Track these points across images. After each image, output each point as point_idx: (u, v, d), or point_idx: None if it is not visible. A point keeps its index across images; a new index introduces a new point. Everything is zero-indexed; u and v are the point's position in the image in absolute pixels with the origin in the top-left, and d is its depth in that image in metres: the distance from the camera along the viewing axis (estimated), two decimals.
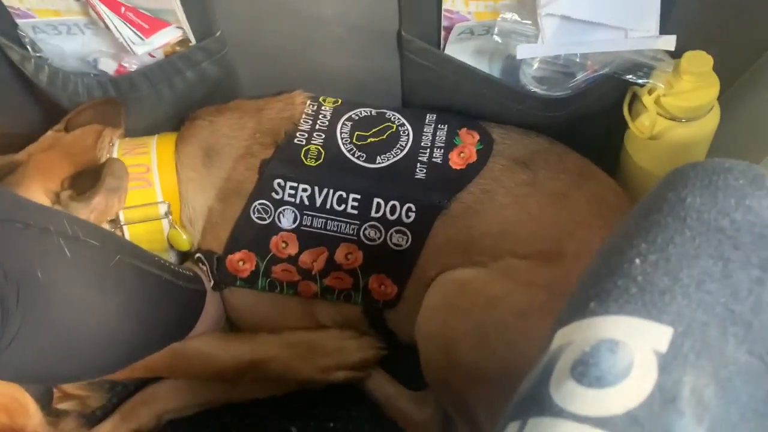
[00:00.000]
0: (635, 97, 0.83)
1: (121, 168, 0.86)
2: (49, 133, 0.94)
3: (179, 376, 0.94)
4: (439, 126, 0.90)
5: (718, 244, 0.40)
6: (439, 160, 0.87)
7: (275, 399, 0.95)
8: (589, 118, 0.87)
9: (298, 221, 0.86)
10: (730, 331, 0.38)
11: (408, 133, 0.89)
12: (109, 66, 0.92)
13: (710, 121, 0.82)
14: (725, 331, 0.38)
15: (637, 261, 0.41)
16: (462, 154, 0.87)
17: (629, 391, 0.37)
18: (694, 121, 0.81)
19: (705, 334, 0.38)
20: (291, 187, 0.86)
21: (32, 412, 0.87)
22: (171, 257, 0.96)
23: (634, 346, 0.38)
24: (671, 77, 0.79)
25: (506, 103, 0.86)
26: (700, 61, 0.77)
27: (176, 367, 0.91)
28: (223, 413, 0.95)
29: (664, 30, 0.76)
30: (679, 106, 0.79)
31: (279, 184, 0.86)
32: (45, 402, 0.90)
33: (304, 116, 0.90)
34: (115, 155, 0.91)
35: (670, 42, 0.75)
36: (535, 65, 0.81)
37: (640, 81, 0.79)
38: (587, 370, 0.38)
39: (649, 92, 0.80)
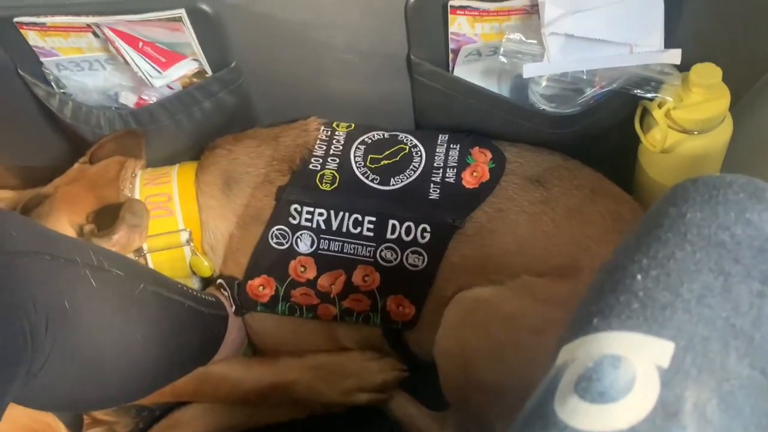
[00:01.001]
0: (646, 112, 0.83)
1: (141, 207, 0.88)
2: (75, 165, 0.98)
3: (204, 401, 0.95)
4: (451, 146, 0.91)
5: (718, 259, 0.41)
6: (452, 180, 0.88)
7: (298, 422, 0.95)
8: (600, 134, 0.87)
9: (315, 245, 0.87)
10: (732, 345, 0.38)
11: (421, 154, 0.90)
12: (129, 99, 0.95)
13: (723, 133, 0.81)
14: (727, 346, 0.38)
15: (639, 277, 0.42)
16: (475, 173, 0.88)
17: (632, 406, 0.37)
18: (706, 134, 0.81)
19: (707, 349, 0.38)
20: (307, 212, 0.87)
21: None
22: (194, 283, 0.98)
23: (636, 362, 0.38)
24: (680, 90, 0.79)
25: (516, 121, 0.87)
26: (709, 73, 0.78)
27: (201, 391, 0.92)
28: None
29: (670, 44, 0.76)
30: (690, 118, 0.79)
31: (296, 209, 0.88)
32: (76, 428, 0.92)
33: (318, 142, 0.92)
34: (137, 185, 0.94)
35: (675, 56, 0.75)
36: (543, 83, 0.81)
37: (648, 95, 0.79)
38: (590, 386, 0.38)
39: (659, 106, 0.80)
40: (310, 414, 0.95)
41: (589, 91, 0.81)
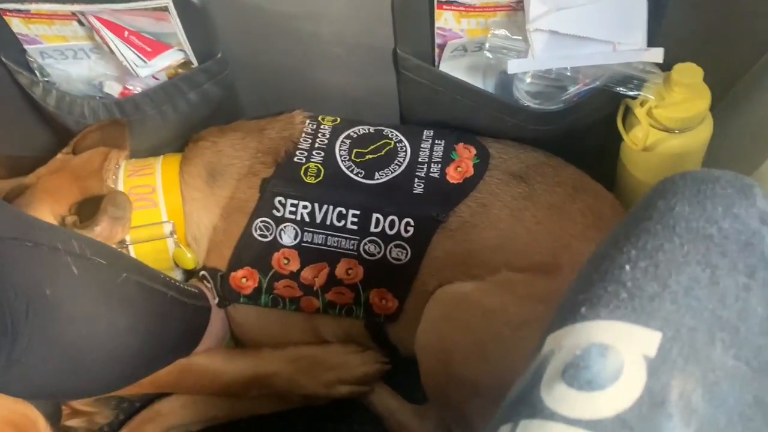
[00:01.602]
0: (628, 110, 0.84)
1: (124, 199, 0.88)
2: (58, 155, 0.97)
3: (185, 392, 0.95)
4: (436, 141, 0.91)
5: (706, 252, 0.41)
6: (436, 175, 0.88)
7: (279, 414, 0.96)
8: (583, 131, 0.88)
9: (299, 238, 0.87)
10: (718, 337, 0.39)
11: (406, 149, 0.90)
12: (114, 89, 0.94)
13: (703, 132, 0.83)
14: (713, 337, 0.39)
15: (627, 267, 0.42)
16: (459, 169, 0.89)
17: (619, 394, 0.37)
18: (687, 132, 0.82)
19: (693, 339, 0.39)
20: (291, 205, 0.88)
21: (42, 429, 0.88)
22: (177, 275, 0.97)
23: (623, 351, 0.39)
24: (662, 89, 0.80)
25: (501, 117, 0.88)
26: (690, 72, 0.79)
27: (182, 382, 0.92)
28: (228, 430, 0.96)
29: (654, 43, 0.77)
30: (671, 117, 0.80)
31: (280, 201, 0.88)
32: (54, 419, 0.91)
33: (303, 135, 0.92)
34: (121, 176, 0.93)
35: (657, 54, 0.76)
36: (528, 80, 0.82)
37: (631, 93, 0.80)
38: (578, 374, 0.38)
39: (641, 104, 0.81)
40: (291, 406, 0.95)
41: (573, 89, 0.81)
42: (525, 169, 0.89)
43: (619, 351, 0.39)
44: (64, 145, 0.98)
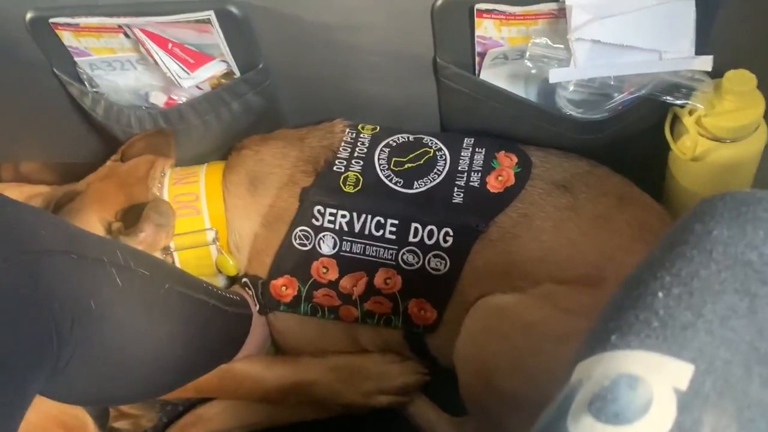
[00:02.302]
0: (676, 118, 0.82)
1: (167, 207, 0.90)
2: (107, 163, 1.00)
3: (226, 397, 0.97)
4: (476, 149, 0.90)
5: (744, 279, 0.39)
6: (476, 184, 0.87)
7: (319, 422, 0.96)
8: (629, 140, 0.86)
9: (337, 247, 0.88)
10: (755, 371, 0.37)
11: (445, 158, 0.89)
12: (159, 99, 0.96)
13: (756, 141, 0.79)
14: (750, 371, 0.37)
15: (660, 294, 0.40)
16: (500, 177, 0.87)
17: (647, 429, 0.36)
18: (739, 142, 0.79)
19: (728, 373, 0.37)
20: (330, 214, 0.88)
21: (90, 430, 0.91)
22: (219, 282, 0.99)
23: (653, 383, 0.37)
24: (713, 97, 0.77)
25: (543, 126, 0.86)
26: (742, 80, 0.75)
27: (223, 388, 0.94)
28: None
29: (701, 50, 0.74)
30: (722, 126, 0.77)
31: (319, 210, 0.88)
32: (102, 421, 0.94)
33: (343, 144, 0.92)
34: (166, 184, 0.95)
35: (706, 62, 0.73)
36: (571, 88, 0.80)
37: (679, 102, 0.77)
38: (605, 406, 0.37)
39: (690, 113, 0.78)
40: (330, 415, 0.96)
41: (618, 97, 0.79)
42: (569, 179, 0.87)
43: (649, 383, 0.37)
44: (112, 152, 1.00)
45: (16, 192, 1.07)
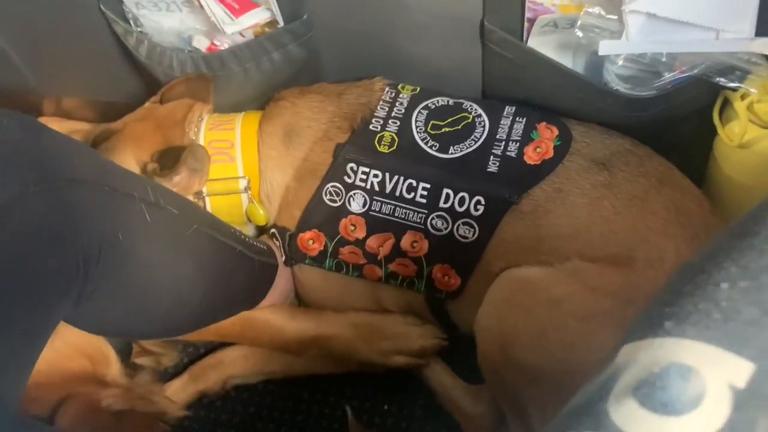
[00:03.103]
0: (727, 102, 0.79)
1: (203, 152, 0.90)
2: (146, 104, 1.00)
3: (247, 344, 0.98)
4: (517, 119, 0.88)
5: None
6: (513, 154, 0.86)
7: (334, 376, 0.97)
8: (675, 121, 0.83)
9: (367, 206, 0.87)
10: None
11: (484, 125, 0.88)
12: (202, 43, 0.96)
13: None
14: None
15: (724, 285, 0.38)
16: (538, 149, 0.86)
17: (696, 423, 0.34)
18: None
19: None
20: (363, 172, 0.87)
21: (113, 363, 0.94)
22: (248, 230, 1.00)
23: (708, 377, 0.35)
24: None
25: (588, 100, 0.84)
26: None
27: (245, 334, 0.95)
28: (283, 385, 0.99)
29: (762, 32, 0.71)
30: None
31: (351, 168, 0.88)
32: (124, 355, 0.97)
33: (381, 103, 0.91)
34: (203, 129, 0.96)
35: (766, 45, 0.70)
36: (620, 62, 0.77)
37: (731, 85, 0.74)
38: (653, 393, 0.35)
39: (742, 98, 0.75)
40: (347, 370, 0.97)
41: (668, 75, 0.76)
42: (608, 156, 0.85)
43: (703, 376, 0.35)
44: (152, 94, 1.01)
45: (57, 126, 1.08)
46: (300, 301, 1.00)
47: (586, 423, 0.36)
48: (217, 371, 0.99)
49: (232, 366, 0.99)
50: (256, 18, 0.90)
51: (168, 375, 1.00)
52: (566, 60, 0.84)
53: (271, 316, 0.95)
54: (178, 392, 0.98)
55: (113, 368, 0.93)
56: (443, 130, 0.88)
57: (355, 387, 0.97)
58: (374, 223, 0.87)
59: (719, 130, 0.80)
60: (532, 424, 0.78)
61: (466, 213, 0.85)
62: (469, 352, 0.84)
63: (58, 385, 0.86)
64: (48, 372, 0.85)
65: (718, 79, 0.74)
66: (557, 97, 0.87)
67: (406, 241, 0.87)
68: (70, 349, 0.89)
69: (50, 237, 0.62)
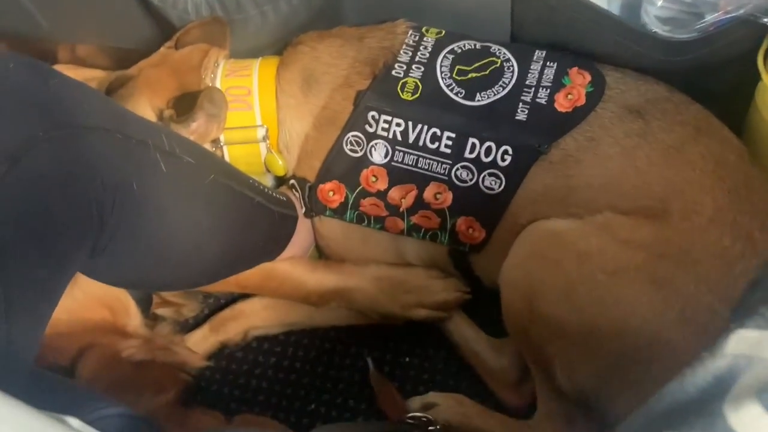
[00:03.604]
0: None
1: (221, 97, 0.87)
2: (161, 50, 0.97)
3: (267, 295, 0.97)
4: (547, 64, 0.84)
5: None
6: (543, 101, 0.82)
7: (355, 328, 0.96)
8: (715, 66, 0.79)
9: (389, 156, 0.84)
10: None
11: (513, 70, 0.84)
12: None
13: None
14: None
15: None
16: (569, 96, 0.82)
17: None
18: None
19: None
20: (385, 121, 0.84)
21: (133, 314, 0.93)
22: (267, 181, 0.98)
23: None
24: None
25: (623, 43, 0.80)
26: None
27: (265, 285, 0.94)
28: (304, 336, 0.98)
29: None
30: None
31: (373, 116, 0.85)
32: (145, 306, 0.96)
33: (404, 47, 0.87)
34: (219, 75, 0.93)
35: None
36: (659, 3, 0.73)
37: None
38: None
39: None
40: (368, 322, 0.96)
41: (711, 17, 0.72)
42: (643, 104, 0.81)
43: None
44: (167, 39, 0.98)
45: (71, 74, 1.04)
46: (320, 254, 0.98)
47: (697, 424, 0.33)
48: (238, 322, 0.98)
49: (253, 317, 0.99)
50: None
51: (189, 326, 1.00)
52: (601, 1, 0.80)
53: (292, 267, 0.93)
54: (199, 343, 0.98)
55: (134, 319, 0.93)
56: (470, 75, 0.84)
57: (377, 339, 0.96)
58: (396, 174, 0.85)
59: (763, 75, 0.76)
60: (557, 378, 0.77)
61: (493, 163, 0.82)
62: (492, 305, 0.83)
63: (78, 336, 0.86)
64: (68, 322, 0.85)
65: (766, 19, 0.69)
66: (590, 41, 0.83)
67: (429, 193, 0.84)
68: (89, 299, 0.89)
69: (61, 184, 0.60)
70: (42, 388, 0.62)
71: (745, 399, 0.32)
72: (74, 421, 0.40)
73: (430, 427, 0.80)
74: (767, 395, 0.32)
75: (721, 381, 0.34)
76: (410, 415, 0.84)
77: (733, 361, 0.34)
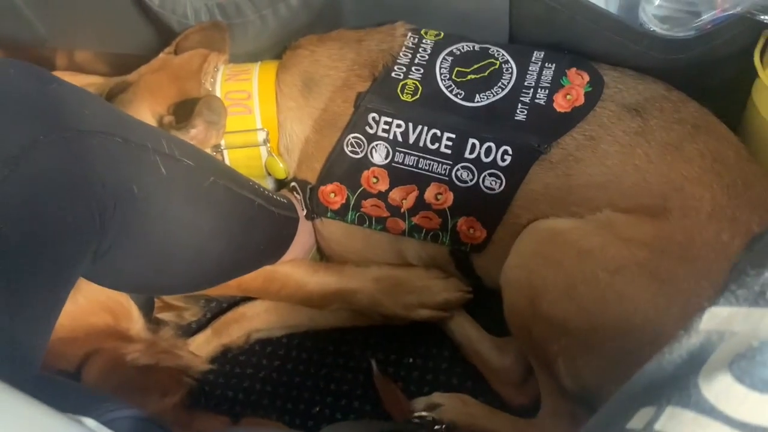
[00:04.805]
0: None
1: (219, 104, 0.88)
2: (160, 55, 0.97)
3: (269, 298, 0.98)
4: (546, 64, 0.85)
5: None
6: (542, 102, 0.83)
7: (358, 329, 0.96)
8: (713, 64, 0.80)
9: (390, 157, 0.85)
10: None
11: (511, 71, 0.84)
12: None
13: None
14: None
15: None
16: (568, 96, 0.82)
17: None
18: None
19: None
20: (385, 122, 0.85)
21: (135, 318, 0.93)
22: (268, 184, 0.98)
23: None
24: None
25: (622, 42, 0.80)
26: None
27: (267, 288, 0.94)
28: (307, 338, 0.98)
29: None
30: None
31: (374, 118, 0.85)
32: (147, 310, 0.96)
33: (403, 49, 0.88)
34: (219, 80, 0.93)
35: None
36: (657, 2, 0.74)
37: None
38: (753, 369, 0.32)
39: None
40: (370, 323, 0.96)
41: (708, 15, 0.73)
42: (642, 102, 0.81)
43: None
44: (166, 45, 0.98)
45: (70, 80, 1.05)
46: (322, 256, 0.98)
47: (672, 396, 0.33)
48: (240, 325, 0.99)
49: (255, 320, 0.99)
50: None
51: (191, 330, 1.00)
52: (599, 0, 0.80)
53: (293, 270, 0.94)
54: (202, 346, 0.98)
55: (136, 323, 0.93)
56: (469, 77, 0.85)
57: (380, 340, 0.96)
58: (397, 175, 0.85)
59: (760, 72, 0.76)
60: (561, 376, 0.77)
61: (493, 164, 0.82)
62: (494, 304, 0.83)
63: (82, 341, 0.86)
64: (71, 327, 0.85)
65: (762, 16, 0.70)
66: (589, 40, 0.83)
67: (430, 194, 0.85)
68: (92, 304, 0.89)
69: (62, 188, 0.60)
70: (53, 391, 0.62)
71: (717, 371, 0.33)
72: (90, 422, 0.40)
73: (435, 427, 0.80)
74: (737, 366, 0.32)
75: (695, 356, 0.34)
76: (416, 414, 0.84)
77: (705, 337, 0.35)
